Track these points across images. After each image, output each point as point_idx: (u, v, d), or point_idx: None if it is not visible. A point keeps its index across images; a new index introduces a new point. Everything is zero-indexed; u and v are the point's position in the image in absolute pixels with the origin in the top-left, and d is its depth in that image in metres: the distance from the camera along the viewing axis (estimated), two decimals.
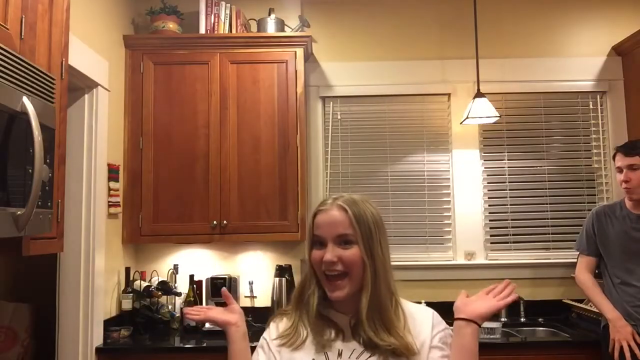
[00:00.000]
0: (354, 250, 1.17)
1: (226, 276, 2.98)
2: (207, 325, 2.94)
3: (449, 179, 3.27)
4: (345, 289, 1.18)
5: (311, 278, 1.24)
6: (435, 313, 1.26)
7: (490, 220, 3.25)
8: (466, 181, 3.24)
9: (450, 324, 1.22)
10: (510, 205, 3.25)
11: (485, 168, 3.28)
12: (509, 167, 3.28)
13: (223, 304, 3.05)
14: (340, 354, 1.18)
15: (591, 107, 3.31)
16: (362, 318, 1.16)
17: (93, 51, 2.60)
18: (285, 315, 1.29)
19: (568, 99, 3.32)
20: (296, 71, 2.98)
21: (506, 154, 3.29)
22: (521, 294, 3.07)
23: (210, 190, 2.91)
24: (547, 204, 3.24)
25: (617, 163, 2.48)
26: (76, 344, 2.52)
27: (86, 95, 2.65)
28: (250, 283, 3.14)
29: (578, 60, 3.30)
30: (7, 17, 1.55)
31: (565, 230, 3.20)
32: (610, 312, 2.41)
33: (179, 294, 3.00)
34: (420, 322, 1.22)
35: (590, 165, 3.28)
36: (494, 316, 3.24)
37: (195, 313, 1.41)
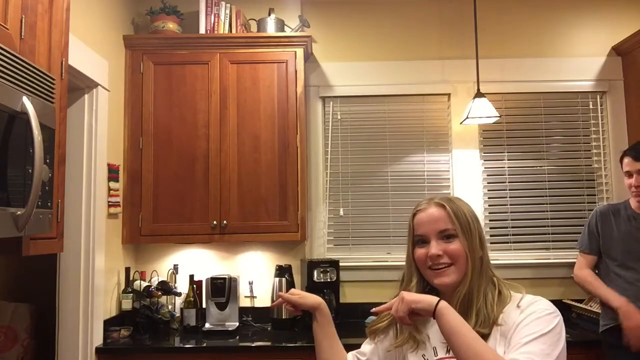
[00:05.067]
0: (456, 243, 1.22)
1: (226, 276, 2.98)
2: (207, 325, 2.95)
3: (449, 179, 3.27)
4: (451, 275, 1.22)
5: (412, 276, 1.29)
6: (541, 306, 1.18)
7: (490, 220, 3.25)
8: (466, 181, 3.24)
9: None
10: (510, 205, 3.25)
11: (485, 168, 3.28)
12: (509, 167, 3.28)
13: (222, 304, 3.04)
14: None
15: (591, 107, 3.31)
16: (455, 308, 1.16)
17: (93, 51, 2.60)
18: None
19: (568, 99, 3.31)
20: (296, 71, 2.98)
21: (506, 154, 3.29)
22: None
23: (210, 190, 2.91)
24: (547, 204, 3.24)
25: (626, 167, 2.45)
26: (76, 344, 2.52)
27: (86, 95, 2.65)
28: (250, 283, 3.14)
29: (578, 60, 3.30)
30: (7, 17, 1.55)
31: (565, 230, 3.20)
32: (616, 299, 2.37)
33: (179, 294, 3.00)
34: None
35: (590, 165, 3.27)
36: None
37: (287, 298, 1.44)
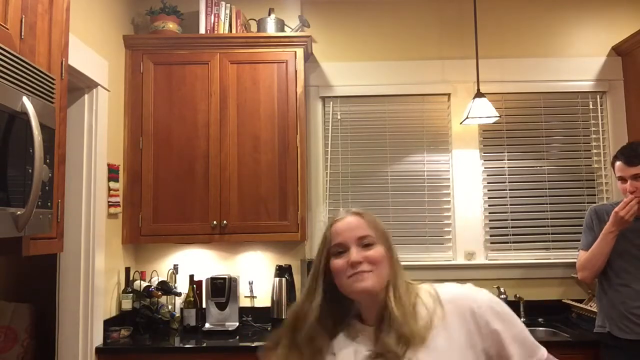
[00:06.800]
0: (377, 248, 1.21)
1: (226, 276, 2.98)
2: (207, 325, 2.95)
3: (449, 179, 3.27)
4: (370, 280, 1.18)
5: (317, 291, 1.23)
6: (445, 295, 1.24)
7: (490, 220, 3.25)
8: (466, 181, 3.24)
9: None
10: (510, 205, 3.25)
11: (485, 168, 3.28)
12: (509, 167, 3.28)
13: (222, 304, 3.05)
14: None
15: (591, 107, 3.31)
16: (394, 314, 1.15)
17: (93, 51, 2.60)
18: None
19: (568, 99, 3.31)
20: (296, 71, 2.98)
21: (506, 154, 3.29)
22: (521, 294, 3.07)
23: (210, 190, 2.91)
24: (547, 204, 3.24)
25: (619, 172, 2.38)
26: (76, 344, 2.52)
27: (86, 95, 2.65)
28: (250, 283, 3.14)
29: (578, 60, 3.30)
30: (7, 17, 1.55)
31: (565, 230, 3.20)
32: (609, 223, 2.36)
33: (179, 294, 3.00)
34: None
35: (590, 165, 3.28)
36: None
37: None
